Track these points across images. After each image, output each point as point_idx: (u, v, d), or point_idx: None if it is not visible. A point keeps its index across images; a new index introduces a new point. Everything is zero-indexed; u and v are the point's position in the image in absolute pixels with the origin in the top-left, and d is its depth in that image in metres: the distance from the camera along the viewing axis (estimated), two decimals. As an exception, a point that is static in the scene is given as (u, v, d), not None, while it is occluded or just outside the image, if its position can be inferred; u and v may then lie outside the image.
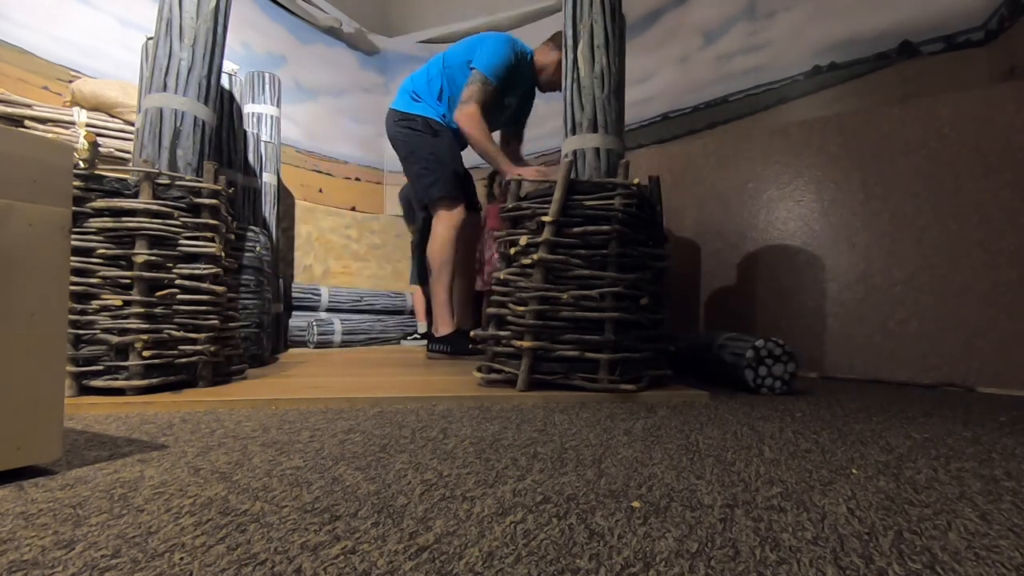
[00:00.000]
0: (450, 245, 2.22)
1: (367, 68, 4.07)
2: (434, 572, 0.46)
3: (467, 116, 2.14)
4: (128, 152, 2.09)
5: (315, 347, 2.80)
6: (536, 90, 2.39)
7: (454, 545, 0.52)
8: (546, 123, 3.42)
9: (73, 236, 1.26)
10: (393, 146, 2.38)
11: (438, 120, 2.29)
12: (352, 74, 3.97)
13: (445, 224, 2.23)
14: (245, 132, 2.22)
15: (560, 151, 1.68)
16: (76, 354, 1.25)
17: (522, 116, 2.49)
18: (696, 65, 2.79)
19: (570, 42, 1.56)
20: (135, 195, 1.36)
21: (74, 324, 1.25)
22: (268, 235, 2.28)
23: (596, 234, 1.39)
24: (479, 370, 1.51)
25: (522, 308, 1.40)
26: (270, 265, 2.16)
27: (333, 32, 3.82)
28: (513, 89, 2.28)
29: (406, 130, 2.30)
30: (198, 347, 1.37)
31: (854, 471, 0.79)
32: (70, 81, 2.30)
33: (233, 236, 1.61)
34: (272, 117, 2.60)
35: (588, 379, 1.37)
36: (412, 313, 3.48)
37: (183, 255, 1.39)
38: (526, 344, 1.37)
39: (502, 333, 1.46)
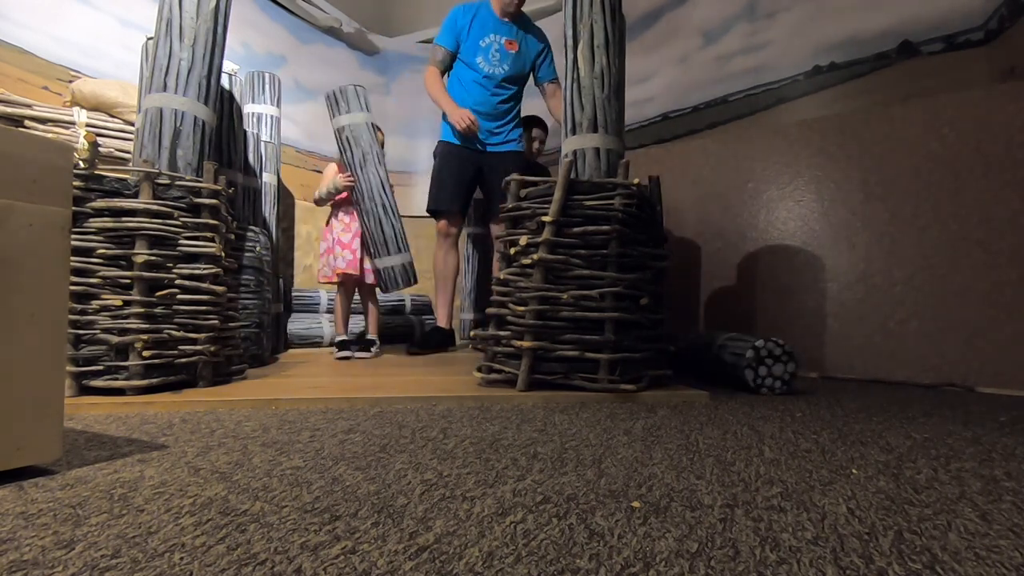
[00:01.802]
0: (436, 254, 2.53)
1: (367, 68, 4.07)
2: (434, 572, 0.46)
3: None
4: (128, 152, 2.09)
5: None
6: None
7: (454, 545, 0.52)
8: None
9: (73, 236, 1.26)
10: None
11: (441, 138, 2.52)
12: (352, 74, 3.96)
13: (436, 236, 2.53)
14: (245, 132, 2.22)
15: (559, 151, 1.69)
16: (76, 354, 1.25)
17: None
18: (696, 65, 2.79)
19: (570, 42, 1.56)
20: (135, 195, 1.36)
21: (74, 324, 1.25)
22: (268, 235, 2.28)
23: (596, 234, 1.39)
24: (479, 370, 1.51)
25: (522, 308, 1.40)
26: (270, 265, 2.16)
27: (333, 32, 3.82)
28: None
29: None
30: (198, 347, 1.37)
31: (854, 471, 0.79)
32: (70, 81, 2.29)
33: (233, 236, 1.61)
34: (272, 117, 2.60)
35: (588, 379, 1.37)
36: (411, 313, 3.47)
37: (183, 255, 1.39)
38: (526, 344, 1.37)
39: (502, 333, 1.45)
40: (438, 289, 2.57)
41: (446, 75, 2.52)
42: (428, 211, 2.51)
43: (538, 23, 3.32)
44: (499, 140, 2.47)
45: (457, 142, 2.44)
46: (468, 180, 2.47)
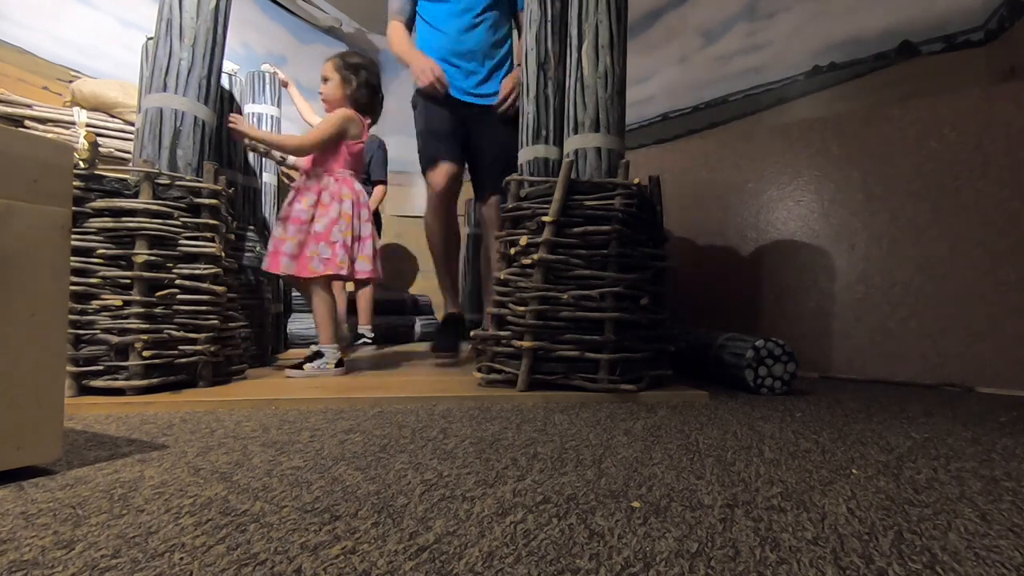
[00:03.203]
0: (429, 219, 2.05)
1: (367, 68, 4.08)
2: (434, 572, 0.46)
3: None
4: (128, 152, 2.09)
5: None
6: None
7: (454, 545, 0.52)
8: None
9: (73, 236, 1.26)
10: None
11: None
12: (352, 74, 3.97)
13: (426, 198, 2.07)
14: (245, 132, 2.22)
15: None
16: (76, 354, 1.25)
17: None
18: (696, 65, 2.79)
19: (575, 41, 1.56)
20: (135, 195, 1.36)
21: (74, 324, 1.25)
22: (268, 235, 2.28)
23: (596, 234, 1.39)
24: (479, 370, 1.51)
25: (522, 308, 1.40)
26: (270, 265, 2.15)
27: (333, 32, 3.82)
28: None
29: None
30: (198, 347, 1.37)
31: (854, 471, 0.79)
32: (70, 81, 2.29)
33: (233, 236, 1.61)
34: (272, 117, 2.60)
35: (588, 379, 1.37)
36: (413, 313, 3.47)
37: (183, 255, 1.39)
38: (526, 344, 1.37)
39: (502, 333, 1.46)
40: (438, 264, 2.08)
41: (413, 31, 2.08)
42: (423, 168, 2.03)
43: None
44: (487, 90, 1.98)
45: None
46: (460, 132, 2.01)
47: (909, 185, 1.93)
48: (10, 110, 1.95)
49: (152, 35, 1.57)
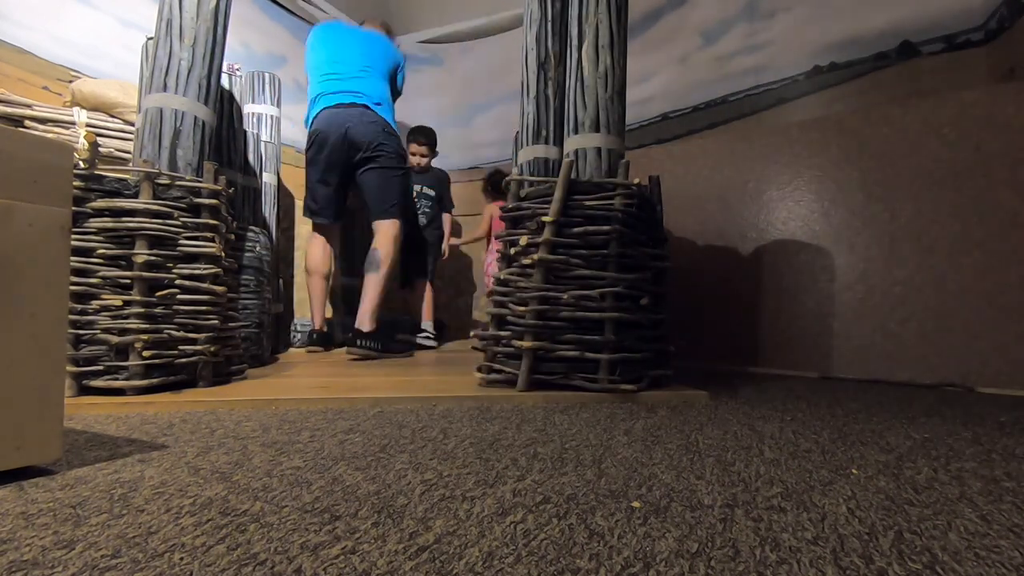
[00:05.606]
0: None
1: (367, 68, 4.07)
2: (434, 572, 0.46)
3: None
4: (128, 152, 2.09)
5: None
6: None
7: (454, 545, 0.52)
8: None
9: (73, 236, 1.26)
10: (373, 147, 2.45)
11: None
12: (352, 74, 3.96)
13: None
14: (245, 132, 2.22)
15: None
16: (76, 354, 1.25)
17: None
18: (696, 65, 2.79)
19: (575, 41, 1.56)
20: (135, 195, 1.36)
21: (74, 324, 1.25)
22: (268, 235, 2.28)
23: (596, 234, 1.39)
24: (479, 370, 1.51)
25: (522, 308, 1.40)
26: (270, 265, 2.16)
27: (333, 32, 3.82)
28: None
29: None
30: (198, 347, 1.37)
31: (854, 471, 0.79)
32: (70, 81, 2.29)
33: (233, 236, 1.61)
34: (272, 117, 2.60)
35: (588, 379, 1.37)
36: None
37: (183, 255, 1.39)
38: (526, 344, 1.37)
39: (502, 333, 1.46)
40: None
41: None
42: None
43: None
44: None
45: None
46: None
47: (909, 185, 1.93)
48: (10, 110, 1.95)
49: (152, 35, 1.57)
